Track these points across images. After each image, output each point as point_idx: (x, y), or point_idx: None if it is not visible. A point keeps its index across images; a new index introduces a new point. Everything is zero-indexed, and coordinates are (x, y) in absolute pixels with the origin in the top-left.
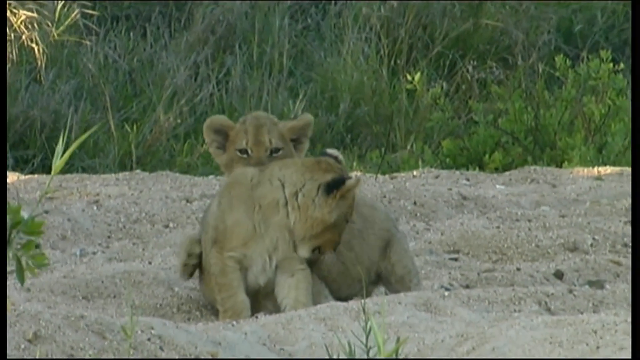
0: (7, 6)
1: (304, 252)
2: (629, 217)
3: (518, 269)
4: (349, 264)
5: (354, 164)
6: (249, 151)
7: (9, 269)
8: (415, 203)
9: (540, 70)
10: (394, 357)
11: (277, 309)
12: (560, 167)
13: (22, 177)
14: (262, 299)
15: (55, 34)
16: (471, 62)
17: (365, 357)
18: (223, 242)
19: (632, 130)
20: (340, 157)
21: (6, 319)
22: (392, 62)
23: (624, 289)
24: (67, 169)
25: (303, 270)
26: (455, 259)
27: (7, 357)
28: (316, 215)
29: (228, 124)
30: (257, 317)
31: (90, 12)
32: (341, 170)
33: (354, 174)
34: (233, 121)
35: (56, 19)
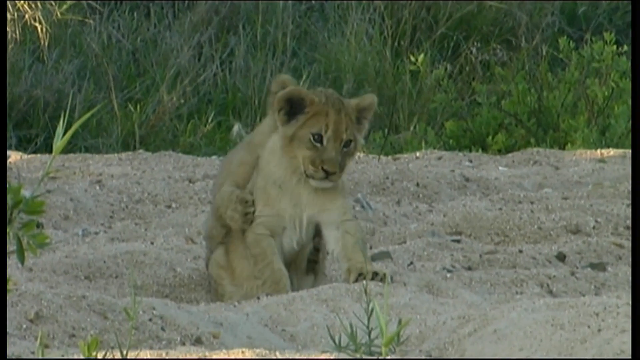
0: None
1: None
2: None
3: (520, 251)
4: None
5: None
6: (324, 142)
7: (10, 249)
8: (417, 184)
9: (544, 52)
10: (396, 338)
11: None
12: (563, 149)
13: (25, 156)
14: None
15: (59, 13)
16: (475, 43)
17: (367, 338)
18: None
19: (632, 114)
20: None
21: (6, 307)
22: (396, 43)
23: (626, 271)
24: (70, 148)
25: (350, 221)
26: (458, 241)
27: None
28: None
29: (310, 99)
30: (258, 298)
31: None
32: None
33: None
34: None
35: None
